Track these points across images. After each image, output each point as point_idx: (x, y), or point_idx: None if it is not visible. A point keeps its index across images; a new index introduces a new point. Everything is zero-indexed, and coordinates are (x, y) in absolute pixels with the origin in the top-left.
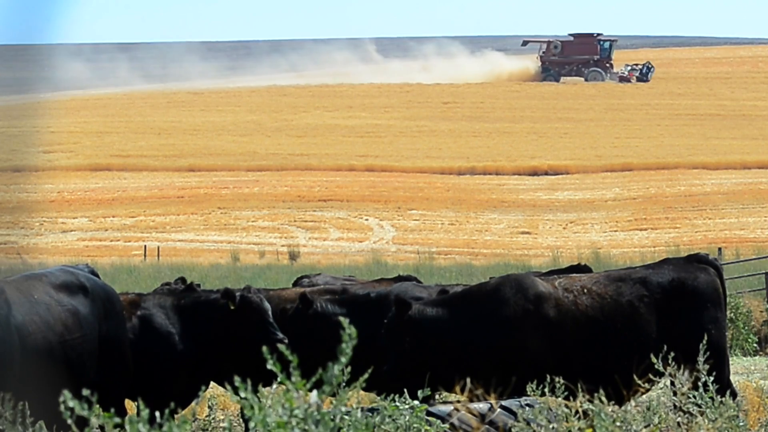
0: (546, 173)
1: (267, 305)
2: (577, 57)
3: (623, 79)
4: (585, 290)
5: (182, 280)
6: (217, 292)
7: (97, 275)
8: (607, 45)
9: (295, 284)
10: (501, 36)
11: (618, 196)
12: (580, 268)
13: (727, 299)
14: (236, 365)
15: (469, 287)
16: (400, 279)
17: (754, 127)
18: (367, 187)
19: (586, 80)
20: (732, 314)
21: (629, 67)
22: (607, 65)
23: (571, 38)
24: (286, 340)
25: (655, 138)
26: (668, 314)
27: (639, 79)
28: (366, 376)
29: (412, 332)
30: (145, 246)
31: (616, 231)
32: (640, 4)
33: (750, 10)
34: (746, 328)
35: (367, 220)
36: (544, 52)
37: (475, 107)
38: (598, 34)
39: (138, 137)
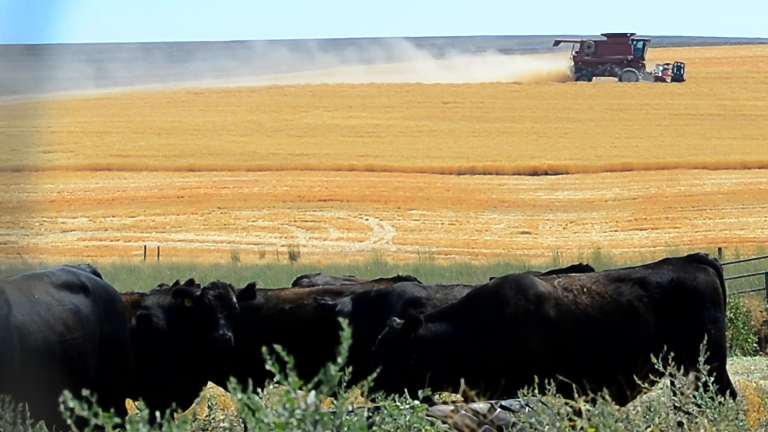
0: (546, 173)
1: (226, 299)
2: (610, 57)
3: (658, 79)
4: (584, 290)
5: (190, 282)
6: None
7: (99, 275)
8: (640, 45)
9: (294, 284)
10: (519, 37)
11: (618, 196)
12: (581, 268)
13: (727, 299)
14: (232, 365)
15: (467, 293)
16: (399, 279)
17: (754, 127)
18: (367, 187)
19: (620, 80)
20: (732, 314)
21: (662, 67)
22: (640, 65)
23: (604, 38)
24: (227, 338)
25: (655, 138)
26: (667, 314)
27: (674, 79)
28: (373, 375)
29: (419, 349)
30: (145, 246)
31: (616, 231)
32: (640, 4)
33: (750, 10)
34: (746, 328)
35: (367, 220)
36: (577, 52)
37: (475, 107)
38: (632, 34)
39: (138, 137)
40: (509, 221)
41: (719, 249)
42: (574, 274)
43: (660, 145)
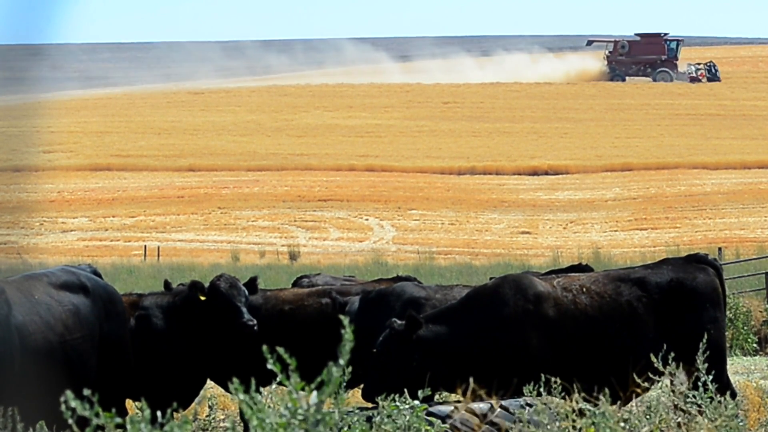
0: (546, 173)
1: (239, 288)
2: (644, 57)
3: (694, 80)
4: (584, 289)
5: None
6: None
7: (99, 275)
8: (673, 45)
9: (294, 284)
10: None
11: (618, 196)
12: (581, 268)
13: (727, 299)
14: (233, 362)
15: (467, 293)
16: (399, 279)
17: (754, 127)
18: (367, 187)
19: (654, 80)
20: (732, 314)
21: (694, 67)
22: (673, 65)
23: (638, 38)
24: (253, 323)
25: (655, 138)
26: (667, 314)
27: (710, 79)
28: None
29: (420, 349)
30: (145, 246)
31: (616, 231)
32: (639, 4)
33: (750, 10)
34: (746, 328)
35: (367, 220)
36: (610, 52)
37: (475, 107)
38: (665, 34)
39: (138, 137)
40: (509, 221)
41: (719, 249)
42: (573, 274)
43: (660, 145)
